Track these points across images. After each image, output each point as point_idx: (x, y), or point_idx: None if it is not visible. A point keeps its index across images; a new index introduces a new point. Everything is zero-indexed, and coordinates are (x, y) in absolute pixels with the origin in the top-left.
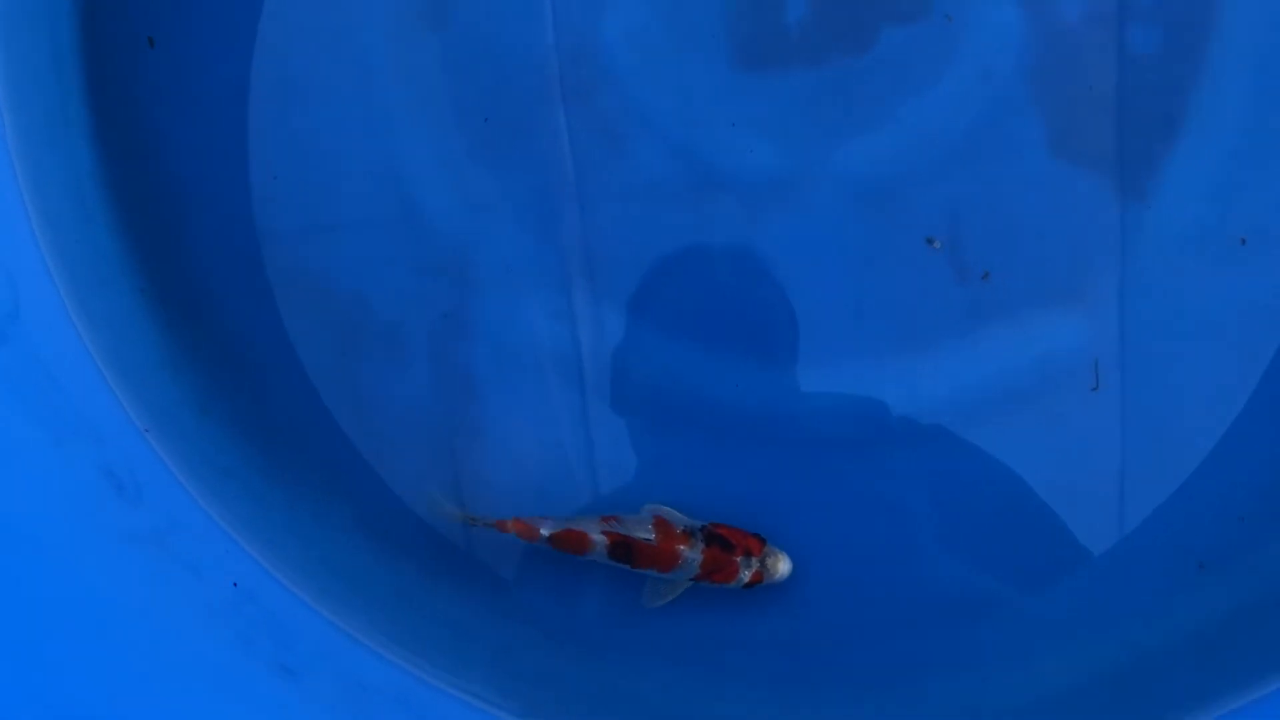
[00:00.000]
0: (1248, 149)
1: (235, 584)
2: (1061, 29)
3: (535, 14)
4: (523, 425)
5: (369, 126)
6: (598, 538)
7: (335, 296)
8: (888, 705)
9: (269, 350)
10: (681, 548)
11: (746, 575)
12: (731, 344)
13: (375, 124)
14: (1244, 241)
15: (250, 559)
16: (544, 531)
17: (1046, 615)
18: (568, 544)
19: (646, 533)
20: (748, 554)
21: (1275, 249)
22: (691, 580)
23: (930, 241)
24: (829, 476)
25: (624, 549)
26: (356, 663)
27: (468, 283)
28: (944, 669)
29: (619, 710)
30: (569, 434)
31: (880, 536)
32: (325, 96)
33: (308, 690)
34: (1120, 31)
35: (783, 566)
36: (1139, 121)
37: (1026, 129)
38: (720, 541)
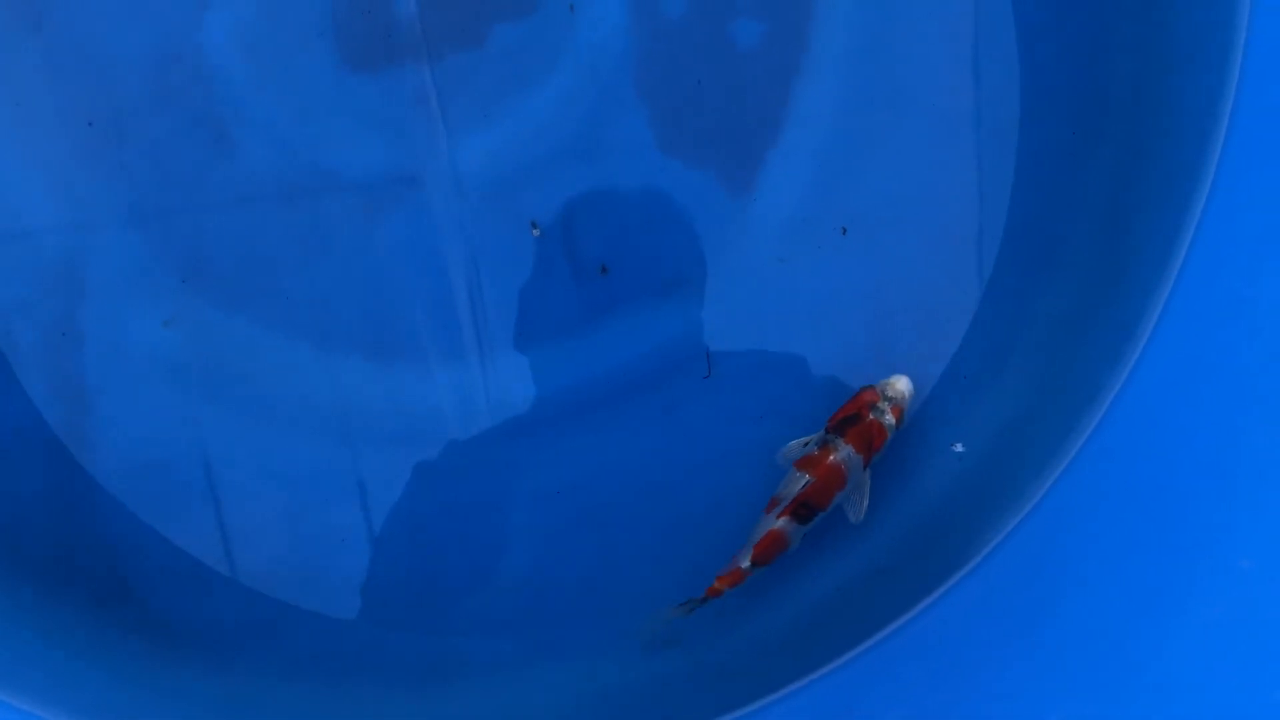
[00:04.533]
0: (846, 142)
1: None
2: (668, 25)
3: (135, 14)
4: (139, 434)
5: None
6: (782, 523)
7: None
8: (518, 687)
9: None
10: (833, 459)
11: (891, 418)
12: (352, 344)
13: None
14: (844, 231)
15: None
16: (745, 565)
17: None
18: (770, 551)
19: (803, 480)
20: (873, 406)
21: (874, 237)
22: (866, 469)
23: (533, 227)
24: (453, 473)
25: (805, 508)
26: None
27: (78, 291)
28: (572, 651)
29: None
30: (185, 442)
31: (507, 528)
32: None
33: None
34: (725, 27)
35: (902, 385)
36: (744, 116)
37: (636, 123)
38: (849, 422)
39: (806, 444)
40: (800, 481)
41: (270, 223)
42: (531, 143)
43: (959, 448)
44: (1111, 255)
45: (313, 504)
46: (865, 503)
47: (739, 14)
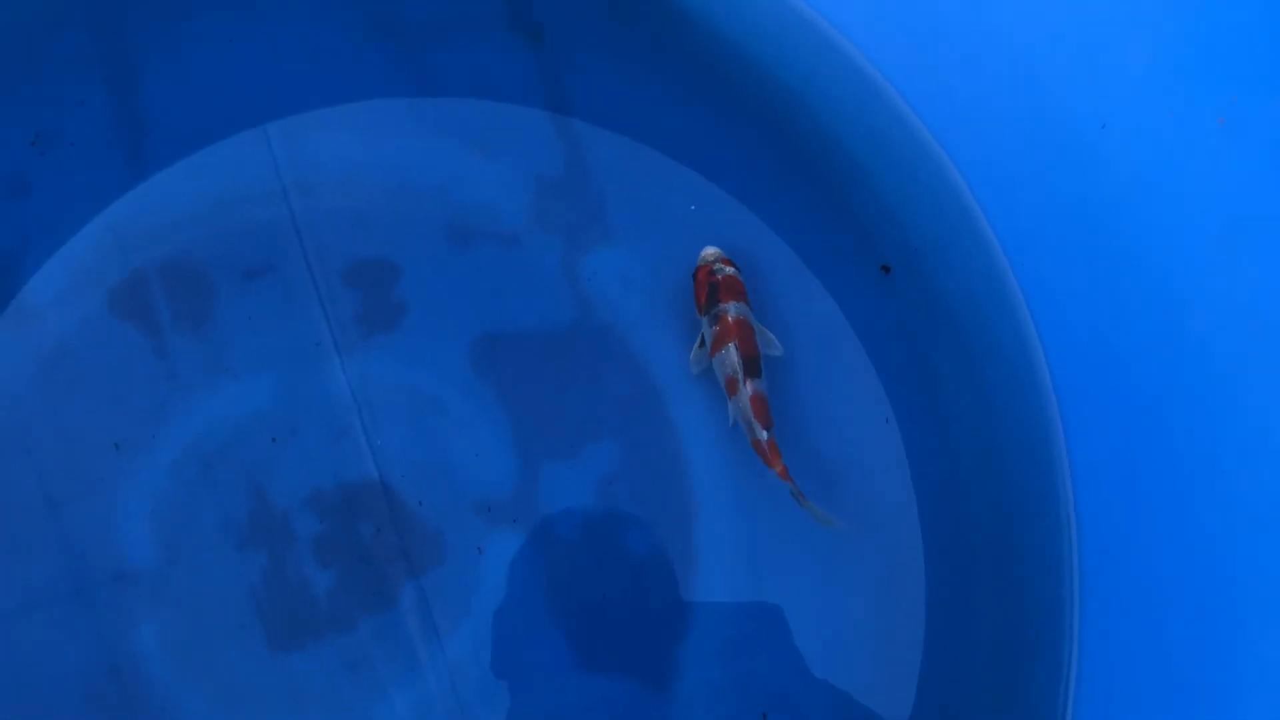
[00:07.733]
0: (751, 627)
1: None
2: (568, 549)
3: (68, 637)
4: None
5: None
6: (750, 387)
7: None
8: None
9: None
10: (730, 317)
11: (729, 268)
12: None
13: None
14: (765, 716)
15: None
16: (763, 435)
17: None
18: (764, 410)
19: (731, 347)
20: (711, 272)
21: (795, 716)
22: (751, 311)
23: None
24: None
25: (749, 363)
26: None
27: None
28: None
29: None
30: None
31: None
32: None
33: None
34: (620, 540)
35: (710, 249)
36: (650, 620)
37: (552, 645)
38: (713, 292)
39: (702, 343)
40: (731, 350)
41: None
42: (458, 687)
43: None
44: None
45: None
46: (771, 335)
47: (628, 525)
